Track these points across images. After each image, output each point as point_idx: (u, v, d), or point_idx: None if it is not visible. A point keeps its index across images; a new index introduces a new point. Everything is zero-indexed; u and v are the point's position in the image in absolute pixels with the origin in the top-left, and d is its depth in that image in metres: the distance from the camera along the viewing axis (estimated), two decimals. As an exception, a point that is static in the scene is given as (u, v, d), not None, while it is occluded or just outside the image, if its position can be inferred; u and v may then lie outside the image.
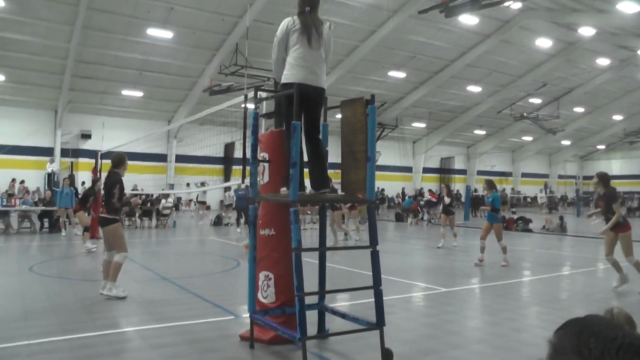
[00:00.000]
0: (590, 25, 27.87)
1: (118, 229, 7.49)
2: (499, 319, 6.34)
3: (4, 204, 17.15)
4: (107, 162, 20.66)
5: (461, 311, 6.92)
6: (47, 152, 30.10)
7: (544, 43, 31.16)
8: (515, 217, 22.06)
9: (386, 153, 37.37)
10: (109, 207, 7.44)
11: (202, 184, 20.25)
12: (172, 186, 29.67)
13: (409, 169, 43.80)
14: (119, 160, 7.74)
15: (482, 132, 45.15)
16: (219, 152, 30.18)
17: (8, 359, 4.84)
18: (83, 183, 27.18)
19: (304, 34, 4.96)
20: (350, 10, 25.74)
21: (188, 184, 20.23)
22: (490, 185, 11.14)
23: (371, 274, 4.84)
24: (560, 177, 54.88)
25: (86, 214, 12.99)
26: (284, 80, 5.00)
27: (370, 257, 4.82)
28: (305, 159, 5.04)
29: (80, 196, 9.55)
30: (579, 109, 42.70)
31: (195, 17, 24.68)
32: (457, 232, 15.09)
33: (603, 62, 34.29)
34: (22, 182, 27.43)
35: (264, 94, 5.77)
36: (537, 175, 52.64)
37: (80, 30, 23.68)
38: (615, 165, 53.52)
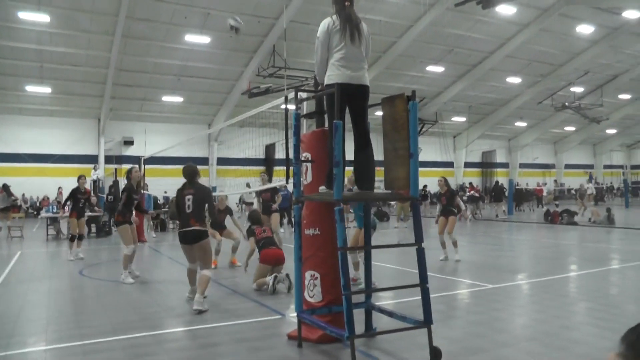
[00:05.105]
0: (636, 7, 26.82)
1: (209, 244, 7.10)
2: (547, 316, 6.19)
3: (55, 210, 17.83)
4: (150, 168, 20.92)
5: (509, 308, 6.79)
6: (92, 159, 31.00)
7: (585, 29, 30.33)
8: (560, 210, 21.50)
9: (427, 149, 36.99)
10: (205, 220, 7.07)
11: (248, 185, 20.51)
12: (214, 188, 30.08)
13: (450, 164, 43.28)
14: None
15: (523, 124, 44.28)
16: (260, 154, 30.39)
17: (66, 358, 5.02)
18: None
19: (346, 31, 4.91)
20: (387, 6, 25.61)
21: (248, 184, 20.63)
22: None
23: (416, 271, 4.80)
24: (606, 167, 53.31)
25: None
26: (327, 81, 4.95)
27: (416, 255, 4.77)
28: (349, 157, 4.99)
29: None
30: (625, 96, 41.38)
31: (231, 21, 24.94)
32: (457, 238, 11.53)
33: (649, 46, 33.09)
34: (60, 188, 28.46)
35: (304, 95, 5.76)
36: (581, 167, 51.25)
37: (120, 40, 24.29)
38: (665, 153, 51.83)
